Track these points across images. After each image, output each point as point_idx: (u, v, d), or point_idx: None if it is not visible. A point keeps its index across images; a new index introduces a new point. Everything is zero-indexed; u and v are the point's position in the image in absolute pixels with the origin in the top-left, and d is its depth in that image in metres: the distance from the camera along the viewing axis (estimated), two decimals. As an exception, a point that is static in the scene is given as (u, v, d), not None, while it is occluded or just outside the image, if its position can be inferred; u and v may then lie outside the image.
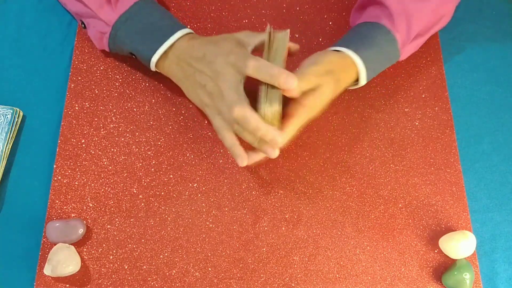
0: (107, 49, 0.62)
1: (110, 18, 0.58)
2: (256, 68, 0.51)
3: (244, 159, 0.55)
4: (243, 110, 0.51)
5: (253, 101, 0.54)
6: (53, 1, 0.68)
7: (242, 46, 0.55)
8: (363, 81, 0.59)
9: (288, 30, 0.55)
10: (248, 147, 0.55)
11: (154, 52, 0.57)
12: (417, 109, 0.67)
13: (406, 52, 0.63)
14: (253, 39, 0.56)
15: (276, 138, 0.51)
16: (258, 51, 0.57)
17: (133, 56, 0.60)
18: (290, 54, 0.58)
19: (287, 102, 0.56)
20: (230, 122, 0.54)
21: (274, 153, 0.54)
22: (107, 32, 0.59)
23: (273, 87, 0.52)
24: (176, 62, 0.57)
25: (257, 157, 0.57)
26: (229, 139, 0.55)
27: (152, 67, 0.59)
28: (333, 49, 0.59)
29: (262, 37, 0.56)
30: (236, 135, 0.55)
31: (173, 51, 0.57)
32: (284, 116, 0.55)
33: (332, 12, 0.71)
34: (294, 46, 0.59)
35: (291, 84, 0.50)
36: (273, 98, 0.52)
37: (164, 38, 0.57)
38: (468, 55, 0.70)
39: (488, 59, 0.70)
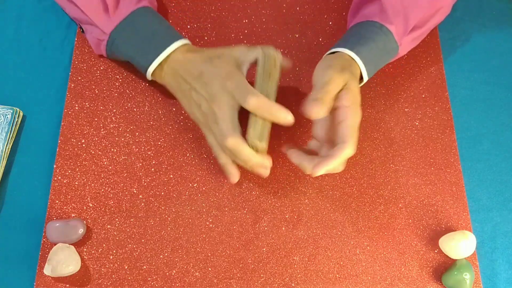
0: (105, 55, 0.62)
1: (107, 26, 0.58)
2: (256, 106, 0.53)
3: (235, 177, 0.59)
4: (235, 143, 0.54)
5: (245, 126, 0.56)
6: (53, 2, 0.68)
7: (238, 67, 0.56)
8: (365, 77, 0.59)
9: (280, 54, 0.57)
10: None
11: (150, 63, 0.57)
12: (417, 109, 0.67)
13: (405, 44, 0.62)
14: (249, 56, 0.57)
15: (265, 165, 0.56)
16: (252, 67, 0.58)
17: (131, 63, 0.61)
18: (282, 71, 0.58)
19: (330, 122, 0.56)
20: (223, 147, 0.56)
21: (266, 173, 0.57)
22: (104, 39, 0.59)
23: (263, 121, 0.54)
24: (171, 74, 0.58)
25: (327, 166, 0.56)
26: (223, 158, 0.58)
27: (148, 77, 0.60)
28: (330, 52, 0.59)
29: (256, 53, 0.57)
30: None
31: (168, 63, 0.58)
32: (339, 123, 0.54)
33: (332, 12, 0.71)
34: (287, 64, 0.59)
35: (289, 119, 0.53)
36: (264, 133, 0.55)
37: (160, 49, 0.57)
38: (468, 55, 0.70)
39: (488, 59, 0.70)
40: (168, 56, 0.57)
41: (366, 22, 0.60)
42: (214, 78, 0.55)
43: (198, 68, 0.56)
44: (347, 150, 0.53)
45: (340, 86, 0.54)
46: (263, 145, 0.55)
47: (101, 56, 0.66)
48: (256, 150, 0.55)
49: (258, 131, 0.54)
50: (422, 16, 0.61)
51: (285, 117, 0.53)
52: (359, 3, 0.64)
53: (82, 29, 0.63)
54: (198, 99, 0.56)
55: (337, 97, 0.54)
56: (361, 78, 0.60)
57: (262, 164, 0.56)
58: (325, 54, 0.61)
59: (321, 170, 0.53)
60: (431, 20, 0.63)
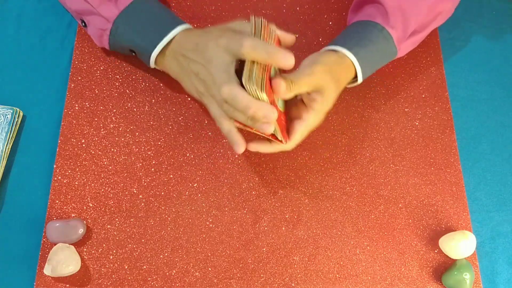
0: (107, 47, 0.62)
1: (111, 14, 0.58)
2: (252, 46, 0.50)
3: (241, 146, 0.55)
4: (231, 89, 0.50)
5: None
6: (53, 1, 0.68)
7: (234, 32, 0.55)
8: (360, 79, 0.60)
9: (274, 25, 0.55)
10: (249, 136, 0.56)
11: (154, 47, 0.57)
12: (417, 109, 0.67)
13: (404, 48, 0.63)
14: (246, 27, 0.55)
15: (269, 113, 0.50)
16: None
17: (133, 54, 0.60)
18: (286, 46, 0.57)
19: (293, 106, 0.57)
20: (221, 104, 0.53)
21: (270, 128, 0.52)
22: (107, 28, 0.59)
23: (260, 66, 0.50)
24: (172, 56, 0.58)
25: (262, 148, 0.57)
26: (226, 126, 0.55)
27: (152, 63, 0.59)
28: (328, 49, 0.59)
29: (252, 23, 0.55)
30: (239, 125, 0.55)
31: (171, 46, 0.58)
32: (293, 119, 0.56)
33: (332, 12, 0.71)
34: (290, 38, 0.57)
35: (290, 61, 0.49)
36: (262, 80, 0.50)
37: (164, 33, 0.57)
38: (468, 55, 0.70)
39: (488, 59, 0.70)
40: (171, 40, 0.57)
41: (368, 22, 0.60)
42: (209, 41, 0.54)
43: (194, 40, 0.55)
44: (288, 146, 0.56)
45: (315, 86, 0.54)
46: (263, 95, 0.50)
47: (101, 56, 0.66)
48: (256, 98, 0.50)
49: (256, 76, 0.50)
50: (422, 21, 0.61)
51: (284, 56, 0.49)
52: (359, 4, 0.64)
53: (84, 22, 0.63)
54: (195, 68, 0.55)
55: (309, 94, 0.55)
56: (356, 78, 0.60)
57: (265, 111, 0.50)
58: (324, 48, 0.60)
59: (255, 148, 0.57)
60: (430, 25, 0.63)
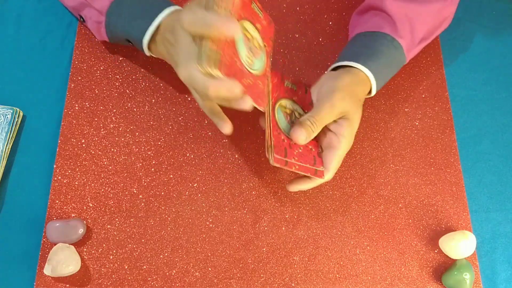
0: (107, 39, 0.62)
1: (102, 5, 0.58)
2: (189, 20, 0.46)
3: (225, 125, 0.53)
4: (186, 71, 0.47)
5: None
6: (53, 1, 0.68)
7: (209, 4, 0.48)
8: (374, 92, 0.60)
9: None
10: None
11: (144, 33, 0.56)
12: (417, 109, 0.67)
13: (411, 56, 0.63)
14: None
15: (230, 88, 0.46)
16: None
17: (131, 44, 0.60)
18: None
19: (321, 134, 0.57)
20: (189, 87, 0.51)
21: (246, 103, 0.48)
22: (102, 21, 0.59)
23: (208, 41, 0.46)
24: (161, 41, 0.55)
25: (302, 186, 0.58)
26: (207, 108, 0.53)
27: (145, 50, 0.58)
28: (342, 64, 0.59)
29: None
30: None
31: (159, 31, 0.56)
32: (324, 149, 0.56)
33: (332, 12, 0.71)
34: None
35: (232, 30, 0.45)
36: (211, 57, 0.45)
37: (152, 19, 0.55)
38: (468, 55, 0.70)
39: (488, 59, 0.70)
40: (159, 26, 0.55)
41: (377, 33, 0.60)
42: (178, 21, 0.51)
43: (174, 22, 0.53)
44: (327, 176, 0.56)
45: (339, 115, 0.55)
46: (217, 72, 0.45)
47: (101, 56, 0.66)
48: (211, 76, 0.46)
49: (208, 52, 0.45)
50: (429, 28, 0.61)
51: (225, 26, 0.45)
52: (364, 10, 0.64)
53: (82, 18, 0.62)
54: (172, 51, 0.53)
55: (336, 121, 0.56)
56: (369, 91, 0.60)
57: (225, 87, 0.46)
58: (335, 65, 0.60)
59: (295, 188, 0.58)
60: (436, 31, 0.63)
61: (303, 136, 0.53)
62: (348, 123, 0.55)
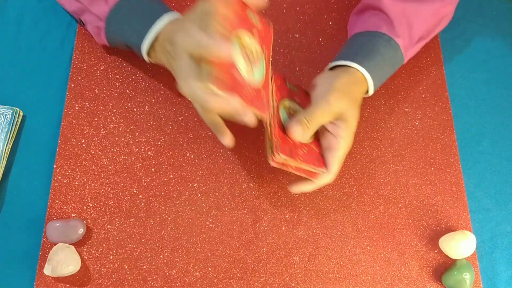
0: (107, 44, 0.62)
1: (102, 11, 0.58)
2: (185, 44, 0.49)
3: (226, 137, 0.54)
4: (186, 87, 0.49)
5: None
6: (53, 1, 0.68)
7: (204, 20, 0.50)
8: (371, 92, 0.60)
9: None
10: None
11: (143, 40, 0.56)
12: (417, 109, 0.67)
13: (409, 55, 0.63)
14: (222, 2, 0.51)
15: (231, 103, 0.48)
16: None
17: (131, 49, 0.60)
18: (258, 9, 0.54)
19: (320, 136, 0.57)
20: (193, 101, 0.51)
21: (247, 117, 0.50)
22: (102, 26, 0.59)
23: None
24: (160, 49, 0.56)
25: (304, 187, 0.58)
26: (208, 119, 0.53)
27: (145, 56, 0.58)
28: (338, 64, 0.59)
29: None
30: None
31: (159, 39, 0.56)
32: (324, 150, 0.57)
33: (332, 12, 0.71)
34: (258, 1, 0.54)
35: (224, 53, 0.47)
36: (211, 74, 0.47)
37: (150, 24, 0.55)
38: (468, 55, 0.70)
39: (488, 59, 0.70)
40: (158, 35, 0.55)
41: (374, 33, 0.60)
42: (178, 33, 0.51)
43: (174, 32, 0.53)
44: (328, 178, 0.56)
45: (335, 115, 0.55)
46: (215, 89, 0.47)
47: (101, 56, 0.66)
48: (212, 91, 0.48)
49: (205, 72, 0.47)
50: (427, 27, 0.61)
51: (218, 48, 0.46)
52: (362, 10, 0.64)
53: (82, 22, 0.62)
54: (171, 63, 0.54)
55: (333, 123, 0.56)
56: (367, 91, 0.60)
57: (226, 102, 0.48)
58: (332, 64, 0.60)
59: (298, 190, 0.58)
60: (435, 30, 0.63)
61: (299, 131, 0.53)
62: (345, 124, 0.55)
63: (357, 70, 0.57)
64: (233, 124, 0.64)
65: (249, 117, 0.50)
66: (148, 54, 0.58)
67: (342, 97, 0.54)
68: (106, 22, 0.58)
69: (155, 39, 0.56)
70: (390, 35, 0.59)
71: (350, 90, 0.56)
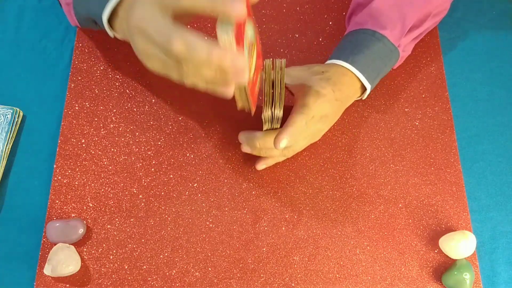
0: (78, 24, 0.60)
1: None
2: None
3: (228, 90, 0.45)
4: (182, 39, 0.40)
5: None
6: (53, 1, 0.68)
7: None
8: (367, 86, 0.60)
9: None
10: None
11: (103, 9, 0.50)
12: (417, 109, 0.67)
13: (405, 45, 0.62)
14: None
15: (237, 61, 0.40)
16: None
17: (99, 27, 0.56)
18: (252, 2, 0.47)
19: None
20: (175, 64, 0.43)
21: (244, 77, 0.42)
22: (70, 2, 0.58)
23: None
24: (126, 19, 0.48)
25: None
26: (208, 76, 0.44)
27: (107, 29, 0.53)
28: (327, 63, 0.60)
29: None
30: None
31: (122, 7, 0.50)
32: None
33: (332, 12, 0.71)
34: None
35: (237, 9, 0.39)
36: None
37: None
38: (468, 55, 0.70)
39: (488, 59, 0.70)
40: (121, 1, 0.49)
41: (359, 30, 0.61)
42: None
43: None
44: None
45: (301, 75, 0.57)
46: (231, 37, 0.40)
47: (101, 56, 0.66)
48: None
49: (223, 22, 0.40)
50: (419, 15, 0.61)
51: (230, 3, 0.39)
52: (353, 10, 0.64)
53: (60, 3, 0.61)
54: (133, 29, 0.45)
55: (304, 93, 0.56)
56: (364, 88, 0.60)
57: (231, 58, 0.40)
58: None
59: (261, 166, 0.61)
60: (429, 19, 0.63)
61: (284, 143, 0.54)
62: (313, 94, 0.55)
63: (344, 67, 0.58)
64: (233, 124, 0.64)
65: (230, 91, 0.44)
66: (112, 25, 0.52)
67: (318, 74, 0.56)
68: None
69: (119, 4, 0.50)
70: (373, 29, 0.59)
71: (333, 80, 0.57)
